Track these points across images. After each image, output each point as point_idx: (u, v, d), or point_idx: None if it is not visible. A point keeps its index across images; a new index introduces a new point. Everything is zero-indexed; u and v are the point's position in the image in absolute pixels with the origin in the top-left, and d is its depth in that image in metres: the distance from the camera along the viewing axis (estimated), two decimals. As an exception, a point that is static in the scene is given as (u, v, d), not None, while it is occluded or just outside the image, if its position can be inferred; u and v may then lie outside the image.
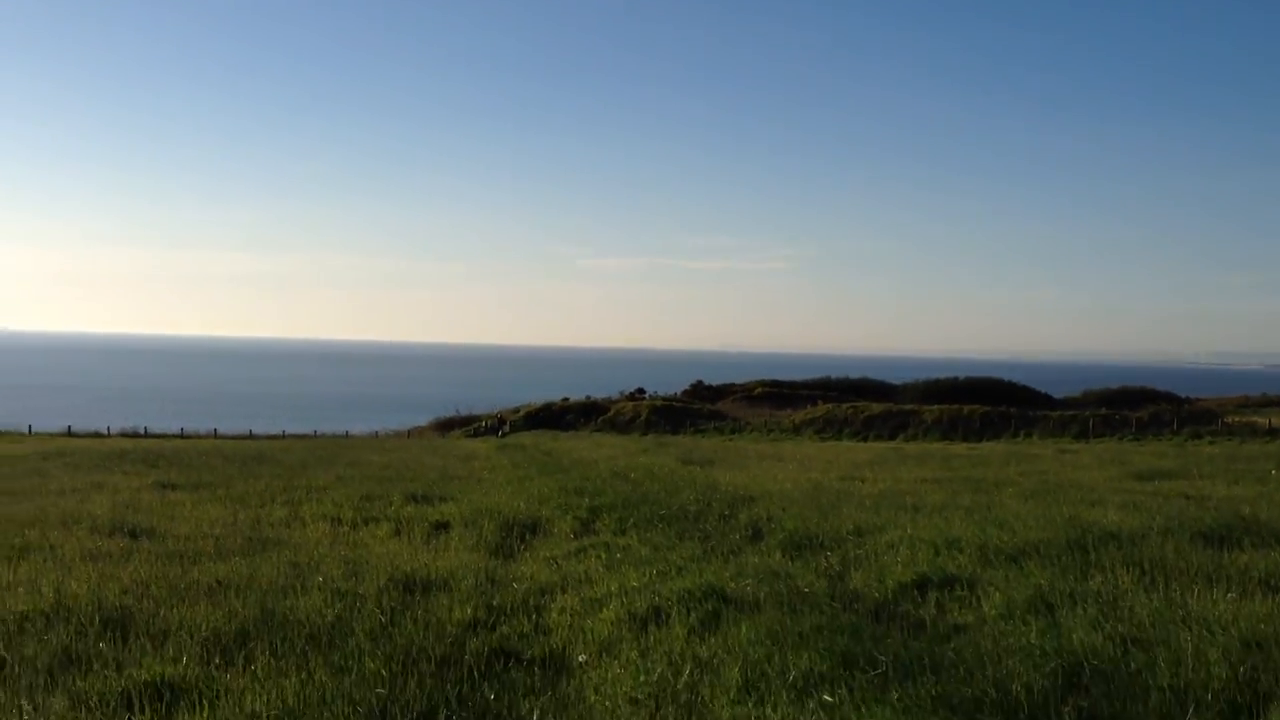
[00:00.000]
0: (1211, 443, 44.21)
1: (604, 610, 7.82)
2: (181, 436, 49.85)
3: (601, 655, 6.84)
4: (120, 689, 6.22)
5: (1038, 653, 5.78)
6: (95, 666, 6.71)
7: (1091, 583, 7.44)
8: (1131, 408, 59.29)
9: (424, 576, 9.49)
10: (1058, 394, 77.82)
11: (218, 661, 6.78)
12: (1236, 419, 52.60)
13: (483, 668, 6.67)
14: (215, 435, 52.30)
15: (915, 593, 7.90)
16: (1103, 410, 56.85)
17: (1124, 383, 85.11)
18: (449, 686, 6.24)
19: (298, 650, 6.97)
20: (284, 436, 54.55)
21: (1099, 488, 17.01)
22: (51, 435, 45.33)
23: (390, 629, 7.47)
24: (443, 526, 13.44)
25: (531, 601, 8.57)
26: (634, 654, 6.62)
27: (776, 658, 5.82)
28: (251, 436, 52.48)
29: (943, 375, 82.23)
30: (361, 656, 6.76)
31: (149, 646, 7.13)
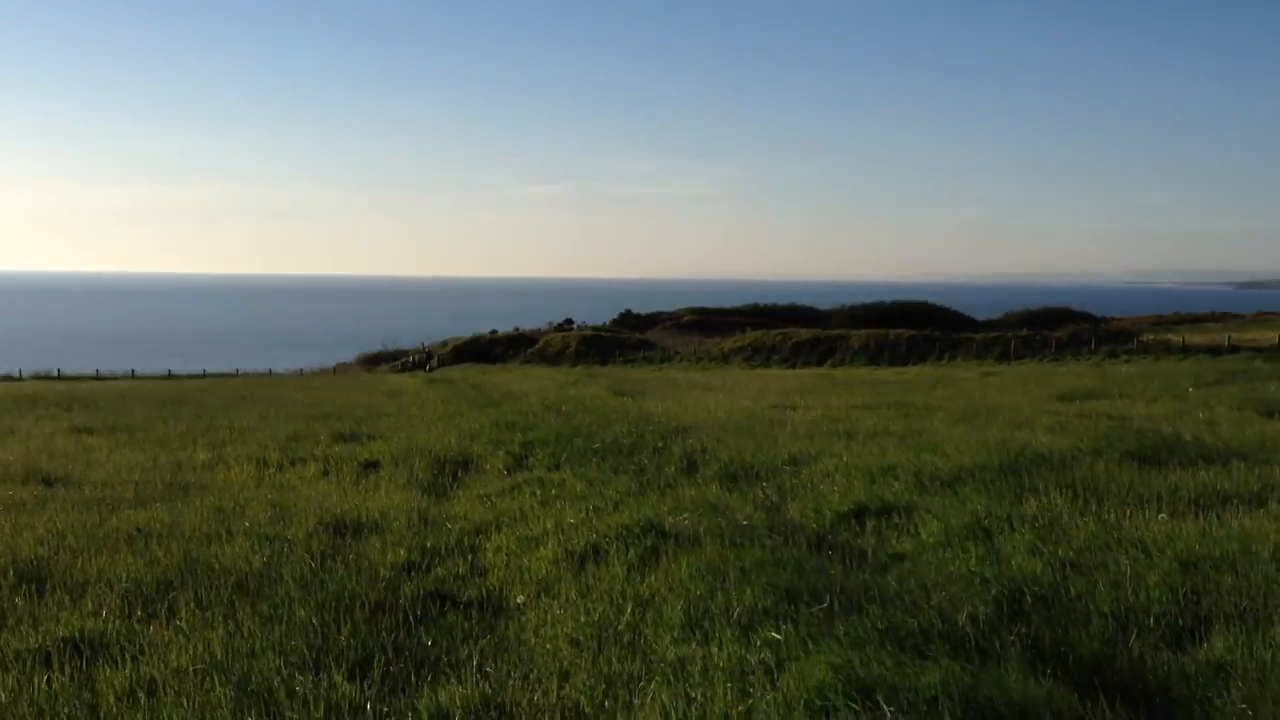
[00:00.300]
0: (1127, 361, 45.26)
1: (541, 549, 7.68)
2: (97, 378, 48.52)
3: (540, 596, 6.71)
4: (38, 645, 5.96)
5: (979, 580, 5.77)
6: (10, 622, 6.43)
7: (1026, 507, 7.46)
8: (1051, 328, 60.52)
9: (354, 518, 9.27)
10: (981, 316, 79.24)
11: (140, 614, 6.53)
12: (1151, 337, 53.91)
13: (418, 612, 6.50)
14: (133, 376, 51.07)
15: (853, 522, 7.87)
16: (1024, 331, 57.88)
17: (1044, 304, 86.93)
18: (384, 633, 6.07)
19: (224, 600, 6.75)
20: (204, 376, 53.39)
21: (1025, 410, 17.24)
22: (-40, 379, 43.85)
23: (321, 574, 7.26)
24: (372, 465, 13.18)
25: (466, 541, 8.40)
26: (573, 593, 6.50)
27: (719, 594, 5.73)
28: (171, 376, 51.28)
29: (869, 300, 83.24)
30: (291, 604, 6.56)
31: (67, 600, 6.85)
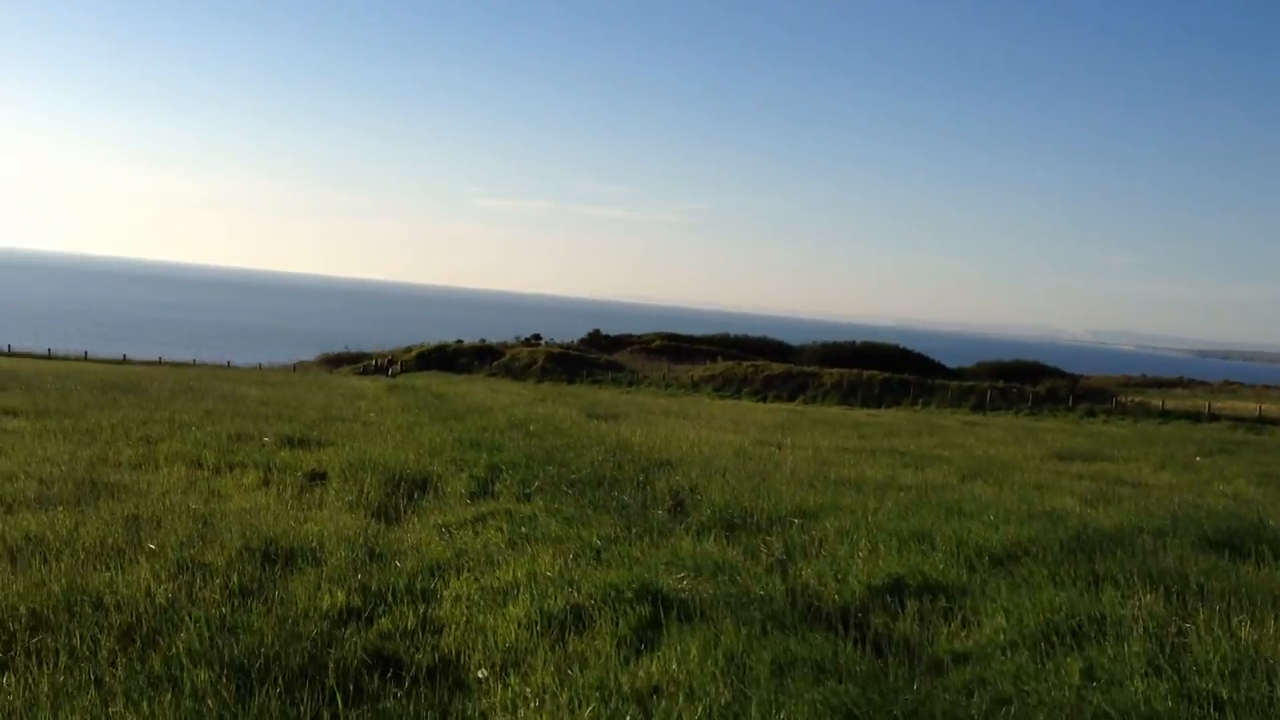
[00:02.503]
0: (1106, 421, 44.41)
1: (510, 605, 6.28)
2: (48, 357, 46.53)
3: (507, 672, 5.31)
4: None
5: (1091, 715, 4.41)
6: None
7: (1110, 603, 6.10)
8: (1023, 381, 59.71)
9: (289, 544, 7.84)
10: (950, 364, 78.31)
11: (-9, 663, 5.08)
12: (1129, 398, 53.28)
13: (352, 685, 5.09)
14: (85, 358, 49.02)
15: (889, 599, 6.50)
16: (1000, 383, 57.01)
17: (1012, 356, 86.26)
18: (304, 712, 4.67)
19: (104, 651, 5.29)
20: (160, 363, 51.39)
21: (1030, 468, 16.02)
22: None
23: (234, 621, 5.82)
24: (319, 477, 11.73)
25: (419, 585, 6.98)
26: (550, 678, 5.10)
27: (753, 708, 4.34)
28: (126, 361, 49.28)
29: (840, 339, 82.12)
30: (195, 662, 5.13)
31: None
